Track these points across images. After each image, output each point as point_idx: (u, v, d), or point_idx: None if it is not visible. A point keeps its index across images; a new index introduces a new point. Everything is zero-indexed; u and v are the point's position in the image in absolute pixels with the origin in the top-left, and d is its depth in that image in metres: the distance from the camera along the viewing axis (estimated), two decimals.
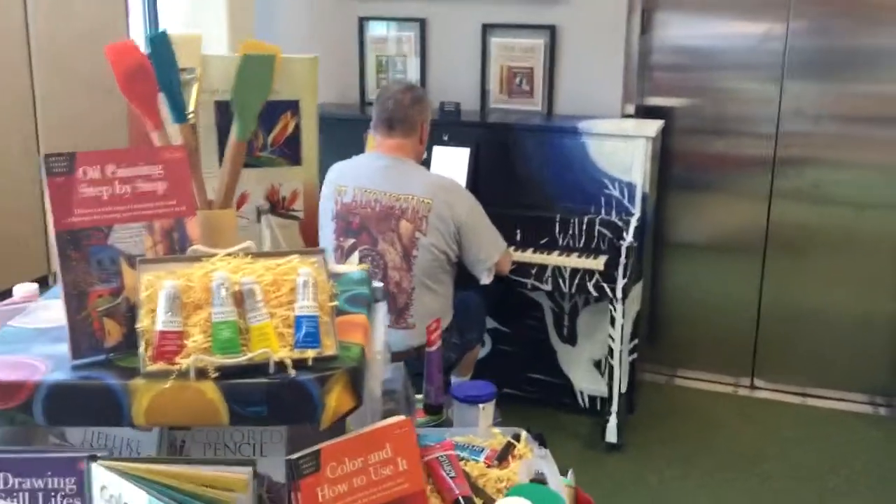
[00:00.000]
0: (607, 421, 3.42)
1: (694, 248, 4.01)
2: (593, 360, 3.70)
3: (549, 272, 3.32)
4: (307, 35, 4.10)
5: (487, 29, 3.85)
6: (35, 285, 1.73)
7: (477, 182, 3.51)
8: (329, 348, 1.17)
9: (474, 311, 3.24)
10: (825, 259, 3.83)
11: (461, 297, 3.12)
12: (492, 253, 3.02)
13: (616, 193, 3.44)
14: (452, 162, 3.52)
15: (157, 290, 1.14)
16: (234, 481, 1.02)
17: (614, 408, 3.40)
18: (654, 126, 3.48)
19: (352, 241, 2.92)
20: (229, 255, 1.20)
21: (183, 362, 1.11)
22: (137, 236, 1.21)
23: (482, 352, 3.52)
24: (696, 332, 4.06)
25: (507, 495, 1.35)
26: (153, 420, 1.13)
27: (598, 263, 3.29)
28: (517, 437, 1.61)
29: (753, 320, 3.97)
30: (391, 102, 2.98)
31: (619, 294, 3.26)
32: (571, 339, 3.71)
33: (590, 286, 3.30)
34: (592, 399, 3.72)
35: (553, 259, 3.33)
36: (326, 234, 2.96)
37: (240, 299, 1.15)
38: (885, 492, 3.22)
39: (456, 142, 3.57)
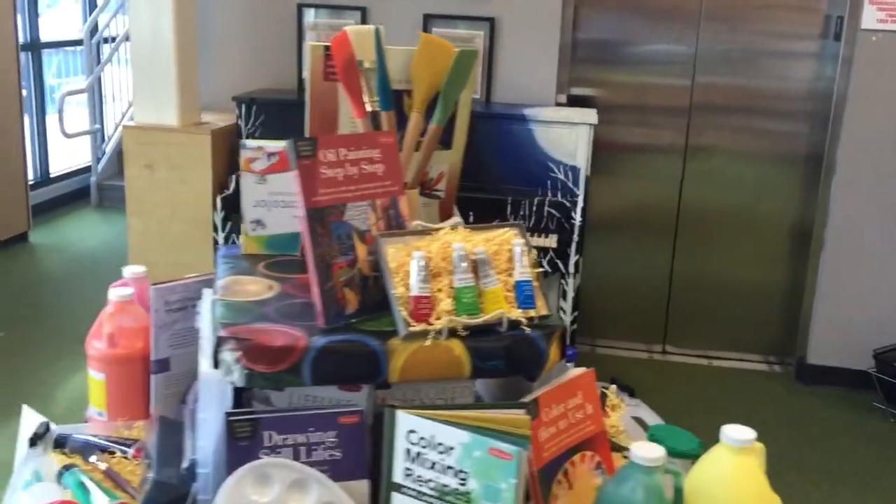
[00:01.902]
0: None
1: (612, 227, 4.36)
2: None
3: None
4: (244, 21, 4.13)
5: (428, 19, 4.02)
6: (143, 268, 1.80)
7: None
8: (542, 309, 1.35)
9: None
10: (728, 237, 4.28)
11: None
12: None
13: (561, 176, 3.72)
14: None
15: (404, 261, 1.29)
16: (520, 421, 1.18)
17: None
18: (593, 114, 3.78)
19: None
20: (449, 229, 1.35)
21: (437, 323, 1.26)
22: (364, 213, 1.34)
23: None
24: (614, 305, 4.42)
25: (649, 433, 1.58)
26: (406, 376, 1.27)
27: (551, 241, 3.56)
28: (605, 390, 1.84)
29: (665, 292, 4.39)
30: None
31: (571, 269, 3.55)
32: None
33: (544, 263, 3.56)
34: None
35: None
36: None
37: (473, 267, 1.31)
38: (795, 433, 3.69)
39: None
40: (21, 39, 6.06)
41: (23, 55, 6.11)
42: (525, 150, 3.73)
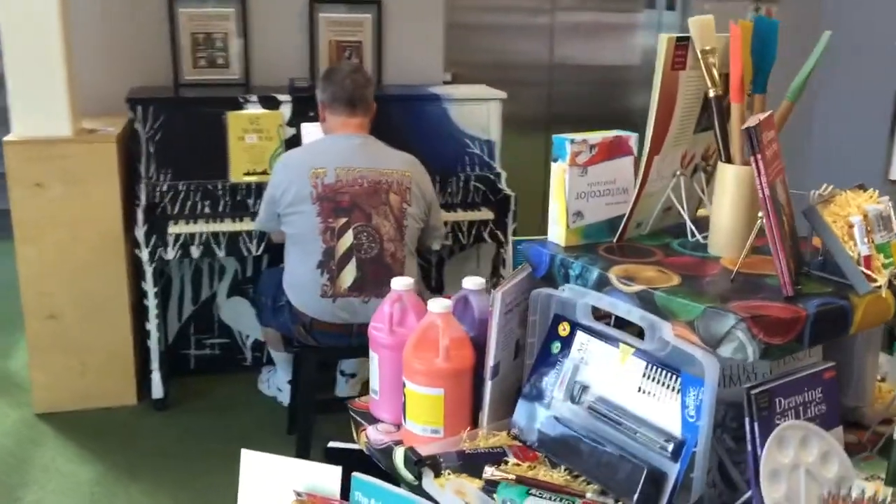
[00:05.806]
0: None
1: None
2: None
3: (448, 227, 3.63)
4: (107, 9, 3.71)
5: (314, 4, 3.91)
6: (411, 279, 1.72)
7: None
8: None
9: None
10: None
11: None
12: (441, 223, 3.27)
13: (477, 151, 3.85)
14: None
15: (836, 226, 1.42)
16: None
17: None
18: (497, 90, 3.95)
19: (343, 219, 2.93)
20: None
21: (881, 277, 1.42)
22: (775, 188, 1.45)
23: None
24: None
25: None
26: (859, 327, 1.41)
27: (488, 214, 3.70)
28: None
29: None
30: (349, 83, 3.04)
31: (510, 237, 3.72)
32: (440, 289, 4.06)
33: (485, 234, 3.70)
34: None
35: (449, 216, 3.65)
36: (308, 218, 2.93)
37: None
38: None
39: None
40: None
41: None
42: (442, 129, 3.81)
